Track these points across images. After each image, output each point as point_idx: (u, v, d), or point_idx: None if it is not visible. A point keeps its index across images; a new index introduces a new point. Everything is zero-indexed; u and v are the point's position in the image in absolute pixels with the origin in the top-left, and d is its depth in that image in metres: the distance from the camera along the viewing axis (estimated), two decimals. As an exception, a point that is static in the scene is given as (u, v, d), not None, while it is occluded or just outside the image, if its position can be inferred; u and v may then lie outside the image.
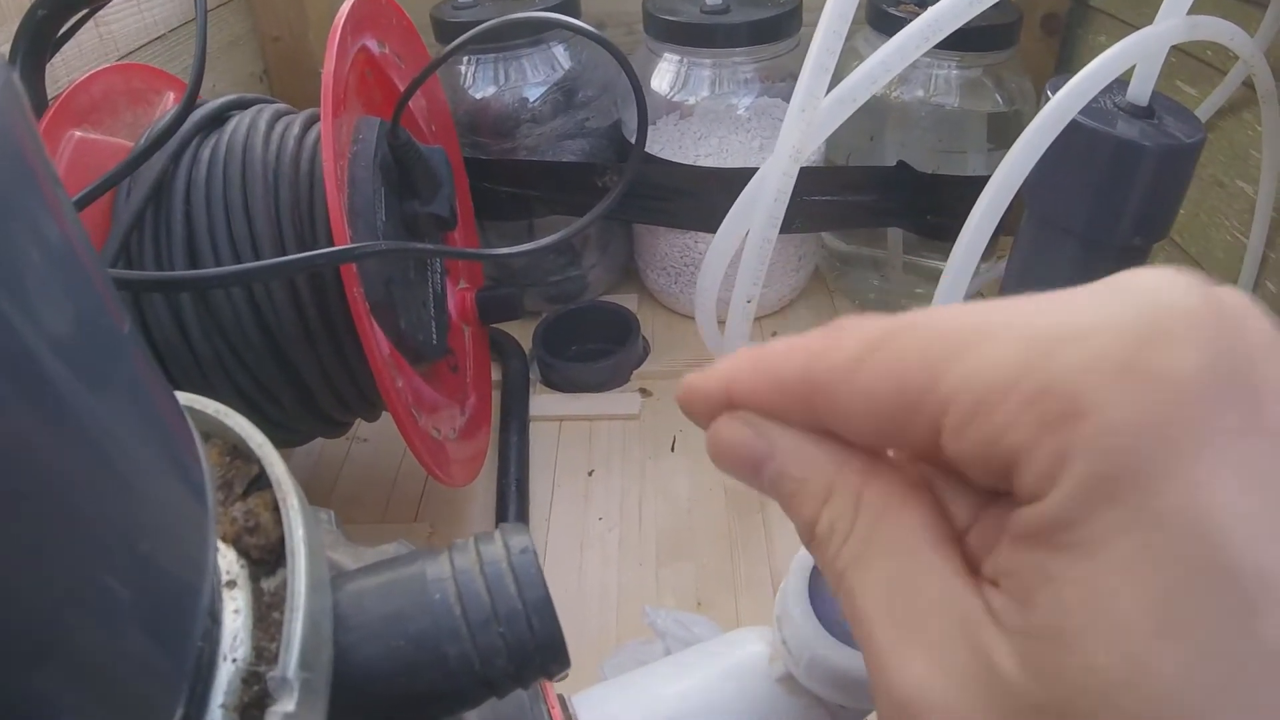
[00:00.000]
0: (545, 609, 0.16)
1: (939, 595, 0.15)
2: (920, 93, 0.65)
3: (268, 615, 0.17)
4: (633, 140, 0.55)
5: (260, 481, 0.19)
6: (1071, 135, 0.40)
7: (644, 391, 0.68)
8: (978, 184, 0.41)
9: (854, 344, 0.16)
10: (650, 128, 0.67)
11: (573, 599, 0.53)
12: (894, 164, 0.65)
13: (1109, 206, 0.42)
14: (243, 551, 0.18)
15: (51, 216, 0.13)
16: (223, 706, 0.15)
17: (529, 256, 0.70)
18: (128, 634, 0.14)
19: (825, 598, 0.26)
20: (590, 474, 0.61)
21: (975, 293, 0.73)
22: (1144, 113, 0.42)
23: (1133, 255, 0.45)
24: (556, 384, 0.68)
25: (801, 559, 0.27)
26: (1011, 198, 0.40)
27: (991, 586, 0.14)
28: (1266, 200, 0.50)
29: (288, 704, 0.14)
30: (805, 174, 0.44)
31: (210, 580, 0.16)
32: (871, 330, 0.16)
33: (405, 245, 0.42)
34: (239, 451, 0.20)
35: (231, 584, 0.17)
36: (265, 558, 0.18)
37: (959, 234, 0.41)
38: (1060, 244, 0.45)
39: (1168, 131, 0.41)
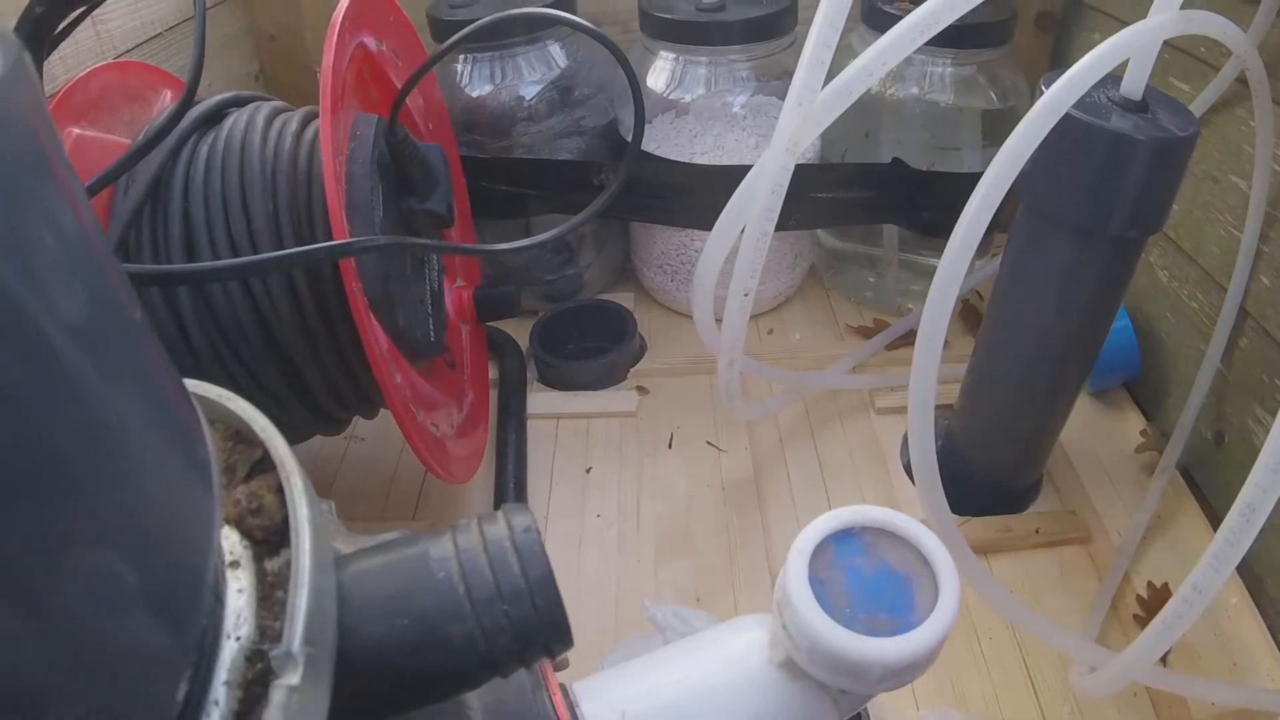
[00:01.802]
0: (549, 586, 0.16)
1: None
2: (915, 90, 0.65)
3: (271, 594, 0.17)
4: (629, 138, 0.55)
5: (263, 465, 0.19)
6: (1066, 129, 0.40)
7: (641, 389, 0.68)
8: (973, 180, 0.41)
9: None
10: (646, 126, 0.67)
11: (571, 596, 0.52)
12: (889, 161, 0.65)
13: (1103, 199, 0.42)
14: (246, 533, 0.18)
15: (66, 202, 0.13)
16: (226, 683, 0.15)
17: (526, 254, 0.70)
18: (133, 612, 0.14)
19: (826, 583, 0.26)
20: (588, 471, 0.61)
21: (971, 289, 0.73)
22: (1138, 106, 0.42)
23: (1127, 248, 0.45)
24: (553, 382, 0.68)
25: (802, 544, 0.27)
26: (1005, 192, 0.40)
27: None
28: (1260, 195, 0.50)
29: (292, 677, 0.14)
30: (801, 171, 0.44)
31: (214, 560, 0.16)
32: None
33: (403, 240, 0.42)
34: (241, 436, 0.20)
35: (235, 564, 0.17)
36: (269, 539, 0.18)
37: (954, 230, 0.42)
38: (1055, 237, 0.45)
39: (1161, 125, 0.41)
